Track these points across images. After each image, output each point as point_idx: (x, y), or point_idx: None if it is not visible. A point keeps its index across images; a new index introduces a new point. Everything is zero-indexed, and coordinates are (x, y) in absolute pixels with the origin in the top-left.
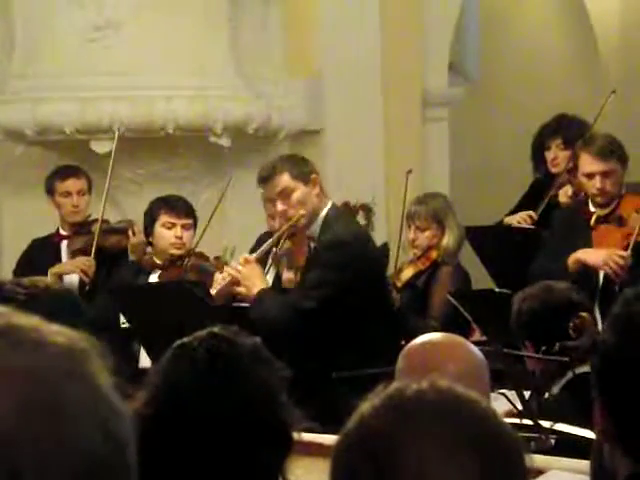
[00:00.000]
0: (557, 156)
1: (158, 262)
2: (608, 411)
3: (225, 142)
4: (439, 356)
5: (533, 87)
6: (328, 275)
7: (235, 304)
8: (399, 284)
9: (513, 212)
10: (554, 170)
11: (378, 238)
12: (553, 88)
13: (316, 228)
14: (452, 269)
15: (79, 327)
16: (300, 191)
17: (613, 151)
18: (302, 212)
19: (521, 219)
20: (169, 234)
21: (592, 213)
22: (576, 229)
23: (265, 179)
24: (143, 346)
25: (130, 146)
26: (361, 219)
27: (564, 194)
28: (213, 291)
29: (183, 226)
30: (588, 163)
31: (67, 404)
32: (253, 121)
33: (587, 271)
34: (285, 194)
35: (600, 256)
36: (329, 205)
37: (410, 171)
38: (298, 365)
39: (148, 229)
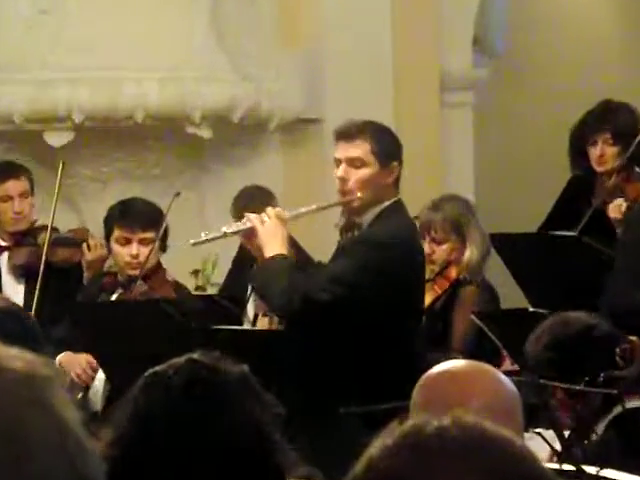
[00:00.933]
0: (604, 153)
1: (120, 279)
2: None
3: (205, 133)
4: (462, 387)
5: (571, 66)
6: (357, 272)
7: (217, 326)
8: None
9: (550, 218)
10: (600, 169)
11: None
12: (595, 68)
13: (369, 218)
14: (476, 289)
15: (33, 348)
16: (371, 170)
17: None
18: (359, 195)
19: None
20: (123, 252)
21: None
22: None
23: (345, 136)
24: (107, 376)
25: (91, 138)
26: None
27: (616, 209)
28: (228, 229)
29: (141, 241)
30: None
31: (29, 436)
32: (238, 108)
33: None
34: (355, 164)
35: None
36: (393, 200)
37: None
38: (296, 394)
39: (108, 241)
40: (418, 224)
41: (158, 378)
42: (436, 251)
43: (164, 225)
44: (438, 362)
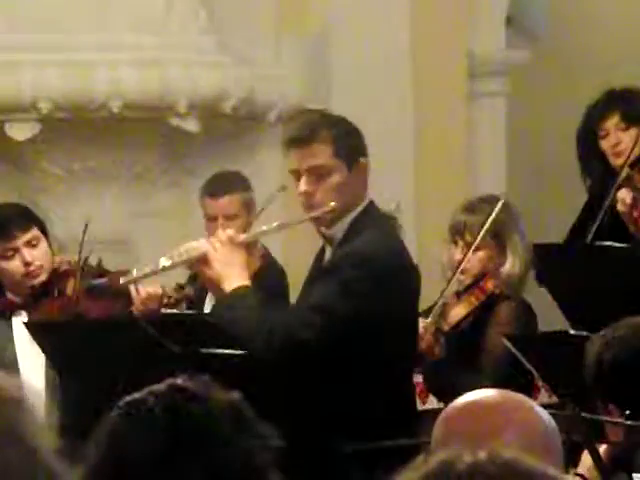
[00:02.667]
0: (619, 140)
1: (17, 300)
2: None
3: (192, 126)
4: (491, 421)
5: (622, 46)
6: (344, 297)
7: (206, 350)
8: (446, 327)
9: (574, 231)
10: (619, 161)
11: None
12: None
13: (340, 230)
14: (515, 306)
15: None
16: (339, 175)
17: None
18: (332, 204)
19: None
20: (14, 266)
21: None
22: None
23: (299, 141)
24: (80, 404)
25: (60, 131)
26: None
27: (622, 201)
28: (166, 262)
29: (26, 244)
30: None
31: None
32: (231, 96)
33: None
34: (319, 173)
35: None
36: (365, 204)
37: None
38: (292, 430)
39: None
40: (448, 228)
41: (135, 411)
42: (470, 259)
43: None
44: (465, 387)
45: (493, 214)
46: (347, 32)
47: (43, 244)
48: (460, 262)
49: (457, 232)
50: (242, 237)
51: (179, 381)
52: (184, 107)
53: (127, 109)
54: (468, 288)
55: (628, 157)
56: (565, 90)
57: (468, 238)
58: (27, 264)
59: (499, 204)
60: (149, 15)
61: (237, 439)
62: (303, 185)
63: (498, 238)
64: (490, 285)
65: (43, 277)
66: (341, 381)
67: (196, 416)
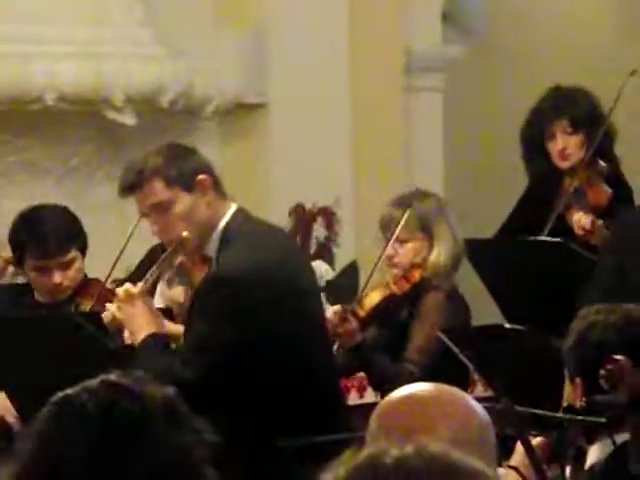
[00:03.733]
0: (567, 145)
1: (41, 301)
2: None
3: (128, 119)
4: (426, 414)
5: (559, 45)
6: (214, 331)
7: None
8: (362, 314)
9: (502, 232)
10: (564, 165)
11: (344, 254)
12: (590, 42)
13: (212, 249)
14: (443, 296)
15: None
16: (182, 202)
17: None
18: (185, 234)
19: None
20: (43, 280)
21: None
22: None
23: (129, 188)
24: (12, 402)
25: None
26: (320, 228)
27: (580, 226)
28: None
29: (59, 266)
30: None
31: None
32: (168, 90)
33: None
34: (160, 208)
35: None
36: (231, 211)
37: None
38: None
39: (18, 258)
40: (379, 223)
41: (68, 407)
42: (399, 253)
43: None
44: (393, 378)
45: (408, 209)
46: (285, 26)
47: (77, 264)
48: (390, 256)
49: (386, 227)
50: (137, 288)
51: (112, 377)
52: (120, 100)
53: (63, 102)
54: (397, 280)
55: (580, 163)
56: (501, 86)
57: (394, 231)
58: (55, 284)
59: (421, 197)
60: (85, 8)
61: (171, 434)
62: (153, 226)
63: (426, 230)
64: (416, 275)
65: (67, 294)
66: (262, 390)
67: (129, 412)
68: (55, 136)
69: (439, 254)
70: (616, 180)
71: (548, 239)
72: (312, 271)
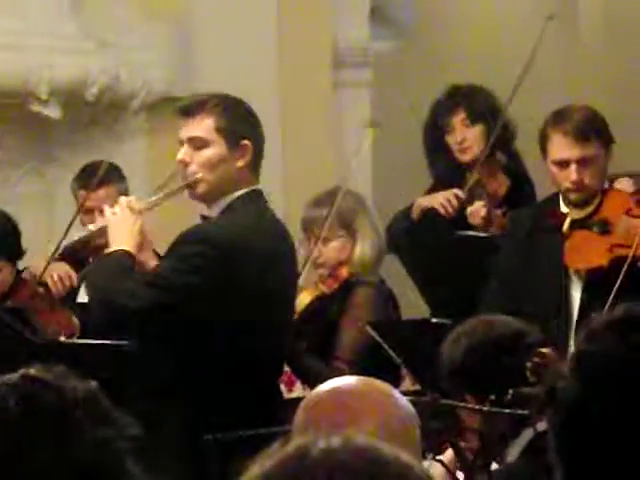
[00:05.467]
0: (465, 137)
1: None
2: (571, 477)
3: (53, 112)
4: (353, 407)
5: (488, 36)
6: (174, 275)
7: (65, 340)
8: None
9: (403, 214)
10: (465, 158)
11: None
12: (515, 38)
13: (216, 209)
14: (370, 290)
15: None
16: (216, 149)
17: (594, 130)
18: (199, 175)
19: (445, 200)
20: None
21: (564, 216)
22: (541, 240)
23: (185, 112)
24: None
25: None
26: None
27: (475, 215)
28: (78, 236)
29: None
30: (561, 147)
31: None
32: (94, 82)
33: (558, 297)
34: (196, 144)
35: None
36: (248, 189)
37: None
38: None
39: None
40: (301, 223)
41: None
42: (323, 252)
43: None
44: (323, 375)
45: (335, 205)
46: (213, 20)
47: (4, 272)
48: (315, 257)
49: (307, 227)
50: (140, 205)
51: (33, 371)
52: (45, 93)
53: None
54: (325, 280)
55: (480, 155)
56: (429, 80)
57: (316, 232)
58: None
59: (340, 194)
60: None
61: (93, 428)
62: (180, 154)
63: (347, 227)
64: (344, 272)
65: None
66: (198, 370)
67: (49, 405)
68: None
69: (363, 250)
70: (517, 174)
71: (473, 234)
72: (294, 275)
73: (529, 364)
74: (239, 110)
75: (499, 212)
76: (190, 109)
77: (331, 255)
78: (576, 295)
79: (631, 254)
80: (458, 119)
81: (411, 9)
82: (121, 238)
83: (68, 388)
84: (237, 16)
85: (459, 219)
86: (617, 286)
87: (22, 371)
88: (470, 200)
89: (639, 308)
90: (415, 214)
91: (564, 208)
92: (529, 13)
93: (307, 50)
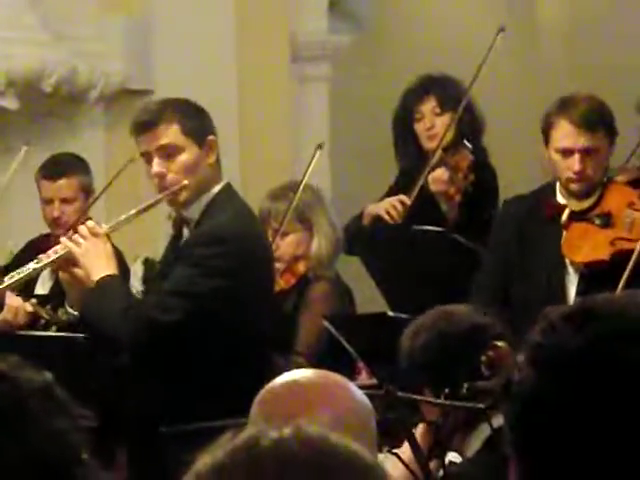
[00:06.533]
0: (433, 124)
1: None
2: (525, 468)
3: (11, 103)
4: (307, 398)
5: (445, 29)
6: (200, 281)
7: (21, 332)
8: None
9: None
10: (431, 144)
11: None
12: (473, 37)
13: (196, 211)
14: (327, 285)
15: None
16: (189, 153)
17: (600, 120)
18: (185, 182)
19: (390, 207)
20: None
21: (562, 207)
22: (537, 230)
23: (145, 126)
24: None
25: None
26: None
27: (437, 180)
28: (37, 264)
29: None
30: (566, 134)
31: None
32: (51, 74)
33: (554, 289)
34: (168, 152)
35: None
36: (222, 185)
37: (321, 146)
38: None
39: None
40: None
41: None
42: (280, 246)
43: None
44: (281, 368)
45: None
46: (171, 12)
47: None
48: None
49: (264, 220)
50: (104, 228)
51: None
52: (2, 84)
53: None
54: (282, 274)
55: (441, 141)
56: (387, 73)
57: (274, 225)
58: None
59: (300, 188)
60: None
61: (48, 419)
62: (155, 166)
63: (305, 221)
64: (301, 267)
65: None
66: (194, 357)
67: (4, 396)
68: None
69: (320, 244)
70: (483, 165)
71: (430, 228)
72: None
73: (484, 358)
74: (194, 108)
75: (460, 175)
76: (149, 121)
77: (288, 249)
78: (572, 287)
79: (638, 247)
80: (428, 107)
81: (369, 2)
82: (99, 264)
83: (23, 379)
84: (195, 9)
85: (417, 214)
86: (625, 279)
87: None
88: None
89: (595, 300)
90: (366, 221)
91: (561, 199)
92: (487, 9)
93: (265, 43)
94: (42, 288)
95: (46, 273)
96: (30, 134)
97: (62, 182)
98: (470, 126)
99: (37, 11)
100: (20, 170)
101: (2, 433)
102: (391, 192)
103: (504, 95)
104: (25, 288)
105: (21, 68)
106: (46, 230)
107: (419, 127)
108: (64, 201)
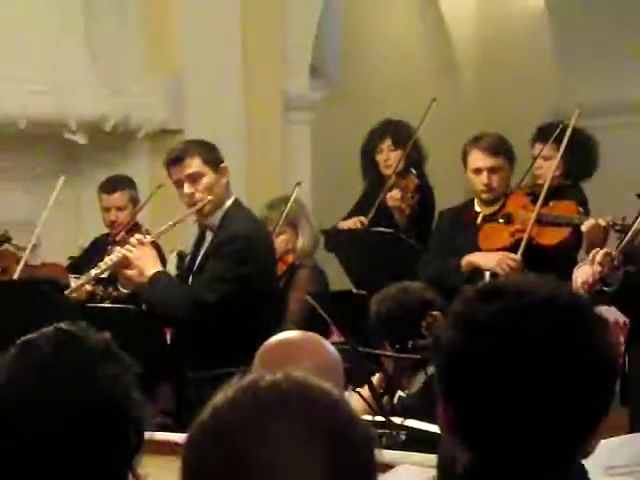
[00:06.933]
0: (389, 157)
1: None
2: (449, 405)
3: (81, 139)
4: (294, 352)
5: (395, 89)
6: (230, 269)
7: (90, 304)
8: None
9: (351, 213)
10: (387, 171)
11: None
12: (415, 90)
13: (216, 219)
14: (309, 271)
15: None
16: (209, 177)
17: (501, 148)
18: (209, 197)
19: (353, 224)
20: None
21: (478, 213)
22: (462, 231)
23: (175, 160)
24: None
25: None
26: None
27: (393, 198)
28: (97, 270)
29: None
30: (477, 159)
31: None
32: (110, 118)
33: (475, 272)
34: (194, 178)
35: (493, 260)
36: (232, 199)
37: (299, 183)
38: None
39: None
40: None
41: (28, 347)
42: (275, 242)
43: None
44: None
45: (287, 208)
46: (197, 75)
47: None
48: None
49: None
50: (148, 238)
51: (62, 325)
52: (75, 125)
53: (31, 125)
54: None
55: (395, 169)
56: (354, 121)
57: (270, 229)
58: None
59: (286, 201)
60: (49, 57)
61: (106, 367)
62: (186, 189)
63: (292, 225)
64: (290, 258)
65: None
66: (229, 326)
67: (76, 351)
68: (26, 150)
69: (303, 242)
70: (424, 186)
71: (383, 230)
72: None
73: (424, 322)
74: (208, 145)
75: (409, 195)
76: (179, 156)
77: (281, 245)
78: (487, 272)
79: (526, 235)
80: (386, 144)
81: (340, 67)
82: (150, 264)
83: (89, 337)
84: (214, 71)
85: (377, 222)
86: (520, 254)
87: (55, 326)
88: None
89: (502, 281)
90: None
91: (477, 208)
92: (422, 75)
93: (265, 98)
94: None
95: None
96: (95, 162)
97: (116, 195)
98: (416, 158)
99: (99, 72)
100: (86, 186)
101: (72, 380)
102: (358, 204)
103: (439, 136)
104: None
105: (89, 114)
106: (105, 231)
107: (379, 158)
108: (118, 209)
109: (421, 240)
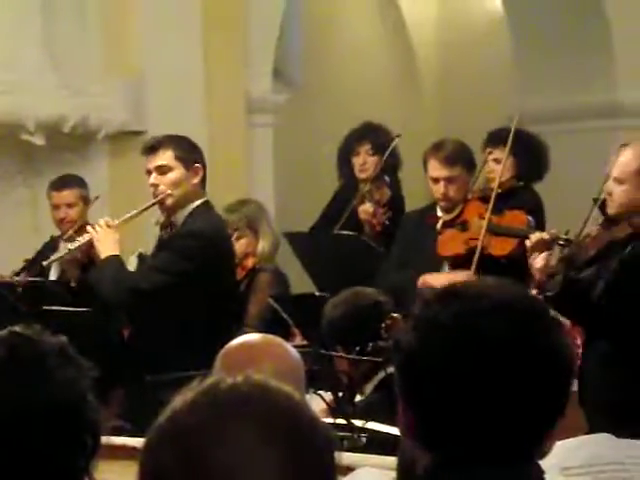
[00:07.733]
0: (366, 161)
1: None
2: (408, 406)
3: (39, 140)
4: (255, 355)
5: (357, 92)
6: (175, 263)
7: (46, 307)
8: None
9: (320, 222)
10: (362, 175)
11: None
12: (376, 93)
13: (181, 217)
14: (270, 274)
15: None
16: (178, 172)
17: (459, 158)
18: (169, 192)
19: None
20: None
21: (438, 218)
22: (423, 234)
23: (150, 150)
24: None
25: None
26: None
27: (365, 212)
28: (71, 246)
29: None
30: (434, 168)
31: None
32: (69, 119)
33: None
34: (163, 170)
35: (443, 280)
36: (202, 200)
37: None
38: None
39: None
40: None
41: None
42: (235, 245)
43: None
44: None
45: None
46: (158, 77)
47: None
48: None
49: None
50: (115, 222)
51: (17, 328)
52: (32, 126)
53: None
54: (236, 266)
55: (371, 175)
56: (315, 123)
57: (229, 231)
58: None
59: (245, 204)
60: (5, 56)
61: (62, 371)
62: (152, 179)
63: (252, 228)
64: (249, 262)
65: None
66: (164, 327)
67: (31, 354)
68: None
69: (264, 245)
70: (397, 197)
71: (347, 233)
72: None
73: (383, 325)
74: (187, 142)
75: (381, 210)
76: (153, 146)
77: (241, 249)
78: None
79: (479, 244)
80: (364, 148)
81: (302, 70)
82: (108, 247)
83: (44, 341)
84: (175, 71)
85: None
86: (474, 267)
87: (9, 328)
88: (360, 205)
89: (459, 285)
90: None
91: (439, 212)
92: (396, 79)
93: (228, 100)
94: (53, 277)
95: (54, 268)
96: (54, 163)
97: (65, 192)
98: (391, 164)
99: (58, 73)
100: (44, 187)
101: (27, 382)
102: (330, 205)
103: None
104: (40, 274)
105: (47, 115)
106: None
107: (355, 161)
108: (67, 206)
109: (387, 248)
